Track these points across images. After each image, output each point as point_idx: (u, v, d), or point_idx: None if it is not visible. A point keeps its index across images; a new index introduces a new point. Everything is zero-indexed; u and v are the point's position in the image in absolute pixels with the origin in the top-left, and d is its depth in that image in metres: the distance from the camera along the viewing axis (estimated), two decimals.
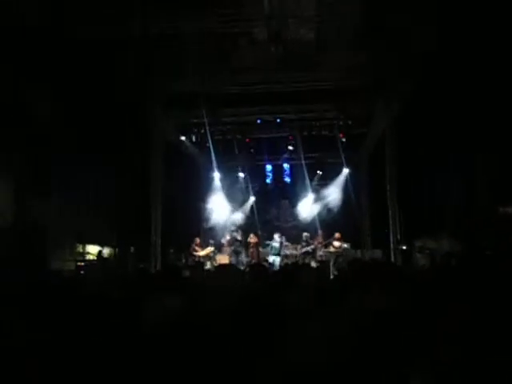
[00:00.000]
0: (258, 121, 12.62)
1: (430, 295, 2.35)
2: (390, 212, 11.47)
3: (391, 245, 11.44)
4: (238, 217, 14.68)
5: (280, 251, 13.00)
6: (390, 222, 11.46)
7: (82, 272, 8.87)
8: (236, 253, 13.30)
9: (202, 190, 15.22)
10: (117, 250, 11.21)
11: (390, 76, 9.86)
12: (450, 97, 9.16)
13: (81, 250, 10.49)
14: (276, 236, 13.24)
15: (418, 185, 10.90)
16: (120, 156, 10.47)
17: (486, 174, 9.47)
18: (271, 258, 12.86)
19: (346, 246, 12.60)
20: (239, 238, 13.41)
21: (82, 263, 9.60)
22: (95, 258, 10.15)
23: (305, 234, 13.20)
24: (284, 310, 2.34)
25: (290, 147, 14.03)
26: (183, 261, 12.22)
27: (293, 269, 4.24)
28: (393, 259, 11.21)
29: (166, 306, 2.45)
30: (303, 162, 14.66)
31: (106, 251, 10.78)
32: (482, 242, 8.73)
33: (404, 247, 11.49)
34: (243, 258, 13.11)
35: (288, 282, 3.19)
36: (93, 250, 10.61)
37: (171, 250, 12.72)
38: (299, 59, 9.52)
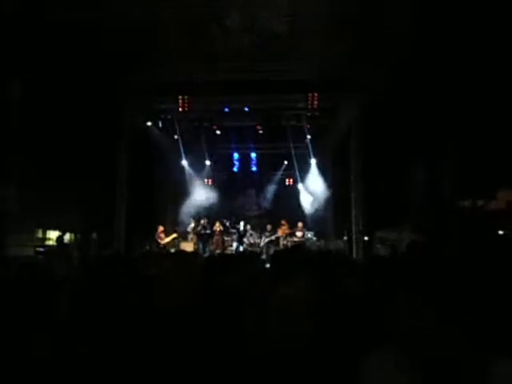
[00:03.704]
0: (226, 109, 12.54)
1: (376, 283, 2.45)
2: (352, 203, 11.69)
3: (353, 235, 11.68)
4: (204, 204, 14.64)
5: (244, 240, 13.12)
6: (353, 213, 11.68)
7: (40, 257, 8.69)
8: (201, 240, 13.33)
9: (168, 177, 15.09)
10: (78, 236, 11.00)
11: (359, 70, 9.98)
12: (417, 94, 9.40)
13: (40, 236, 10.26)
14: (241, 224, 13.34)
15: (381, 177, 11.16)
16: (85, 142, 10.22)
17: (448, 171, 9.84)
18: (235, 246, 12.97)
19: (309, 235, 12.81)
20: (204, 225, 13.42)
21: (41, 248, 9.39)
22: (55, 243, 9.94)
23: (268, 225, 13.33)
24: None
25: (258, 136, 14.07)
26: (147, 248, 12.13)
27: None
28: (354, 249, 11.47)
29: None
30: (270, 151, 14.75)
31: (67, 237, 10.55)
32: (441, 235, 9.07)
33: (366, 238, 11.75)
34: (208, 245, 13.16)
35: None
36: (54, 235, 10.39)
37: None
38: (269, 49, 9.50)
